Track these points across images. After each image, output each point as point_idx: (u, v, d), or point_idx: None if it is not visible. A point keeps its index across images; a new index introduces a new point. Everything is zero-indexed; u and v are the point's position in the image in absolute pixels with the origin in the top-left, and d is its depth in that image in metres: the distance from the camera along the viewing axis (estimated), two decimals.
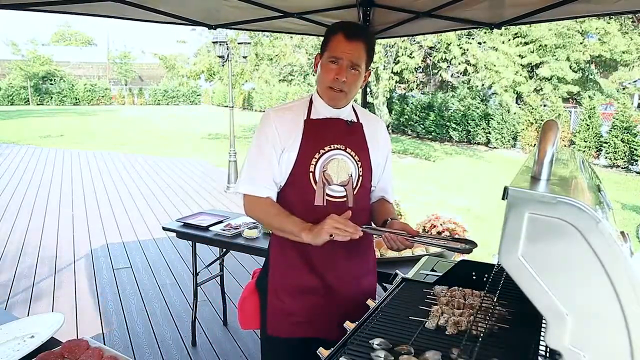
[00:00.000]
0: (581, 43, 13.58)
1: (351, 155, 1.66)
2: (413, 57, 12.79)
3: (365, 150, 1.70)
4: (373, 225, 1.79)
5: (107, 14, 2.97)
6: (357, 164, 1.67)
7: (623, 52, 13.34)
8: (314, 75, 1.78)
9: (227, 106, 9.60)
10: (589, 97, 13.95)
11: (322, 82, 1.62)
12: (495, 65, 13.08)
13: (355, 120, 1.71)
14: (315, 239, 1.49)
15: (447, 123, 17.21)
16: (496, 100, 15.28)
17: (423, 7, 3.05)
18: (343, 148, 1.64)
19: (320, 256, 1.63)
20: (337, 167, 1.63)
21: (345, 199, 1.65)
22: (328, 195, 1.62)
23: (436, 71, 15.41)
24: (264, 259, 1.82)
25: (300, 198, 1.61)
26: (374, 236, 2.70)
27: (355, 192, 1.67)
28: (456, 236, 1.59)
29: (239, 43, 9.70)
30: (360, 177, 1.68)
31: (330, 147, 1.62)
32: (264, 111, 1.74)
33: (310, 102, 1.68)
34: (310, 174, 1.60)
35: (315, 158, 1.60)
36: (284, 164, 1.61)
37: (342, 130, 1.66)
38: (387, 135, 1.84)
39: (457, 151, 15.48)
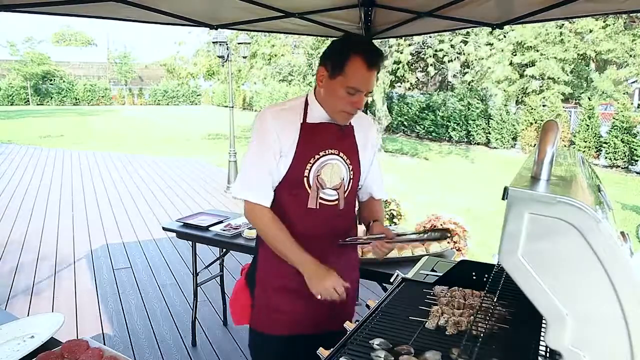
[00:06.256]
0: (571, 43, 13.58)
1: (343, 160, 1.68)
2: (402, 52, 12.79)
3: (355, 154, 1.73)
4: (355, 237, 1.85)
5: (107, 15, 2.96)
6: (349, 168, 1.70)
7: (610, 51, 13.34)
8: (313, 75, 1.73)
9: (227, 106, 9.60)
10: (588, 97, 13.95)
11: (336, 106, 1.59)
12: (490, 68, 13.09)
13: (347, 124, 1.72)
14: (315, 288, 1.53)
15: (447, 123, 17.22)
16: (495, 101, 15.28)
17: (424, 7, 3.04)
18: (336, 153, 1.67)
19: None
20: (330, 172, 1.65)
21: (337, 202, 1.69)
22: (321, 198, 1.65)
23: (436, 71, 15.41)
24: None
25: (294, 200, 1.63)
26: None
27: (346, 195, 1.71)
28: (433, 228, 1.74)
29: (238, 43, 9.70)
30: (351, 180, 1.72)
31: (324, 152, 1.64)
32: None
33: (306, 103, 1.66)
34: (305, 179, 1.62)
35: (310, 163, 1.62)
36: (281, 167, 1.62)
37: (335, 134, 1.67)
38: (375, 133, 1.87)
39: (457, 151, 15.48)
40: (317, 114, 1.64)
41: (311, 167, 1.62)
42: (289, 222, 1.61)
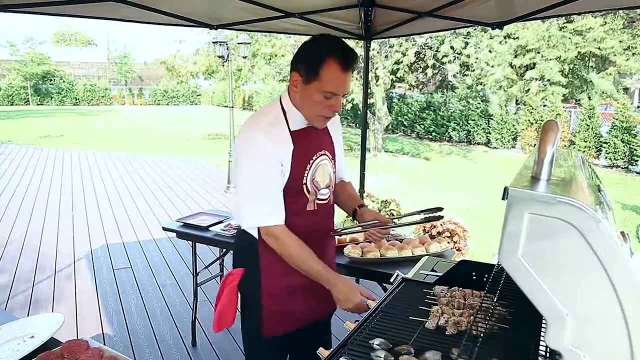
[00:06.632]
0: (572, 42, 13.56)
1: (329, 157, 1.72)
2: (407, 54, 12.81)
3: (333, 148, 1.77)
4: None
5: (106, 15, 2.96)
6: (333, 163, 1.75)
7: (610, 48, 13.33)
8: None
9: (227, 106, 9.60)
10: (589, 97, 13.95)
11: (313, 111, 1.57)
12: (491, 69, 13.08)
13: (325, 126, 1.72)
14: (343, 306, 1.59)
15: (447, 123, 17.23)
16: (494, 101, 15.28)
17: (424, 7, 3.04)
18: (324, 153, 1.70)
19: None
20: (322, 173, 1.69)
21: (329, 199, 1.74)
22: (318, 199, 1.68)
23: (436, 71, 15.40)
24: None
25: (294, 206, 1.63)
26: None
27: (333, 190, 1.77)
28: (423, 209, 1.82)
29: (238, 43, 9.70)
30: (334, 174, 1.78)
31: (316, 155, 1.66)
32: None
33: (283, 110, 1.62)
34: (304, 186, 1.63)
35: (307, 170, 1.63)
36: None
37: (318, 135, 1.68)
38: (339, 122, 1.87)
39: (457, 151, 15.48)
40: (297, 119, 1.61)
41: (307, 173, 1.63)
42: (289, 226, 1.60)
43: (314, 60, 1.50)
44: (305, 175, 1.62)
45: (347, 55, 1.50)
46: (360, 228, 1.83)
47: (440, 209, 1.73)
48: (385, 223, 1.74)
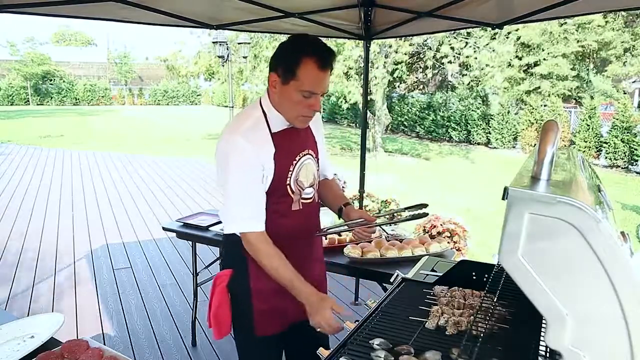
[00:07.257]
0: (573, 37, 13.56)
1: (312, 156, 1.73)
2: (406, 54, 12.81)
3: (316, 147, 1.78)
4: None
5: (106, 16, 2.95)
6: (316, 162, 1.76)
7: (610, 47, 13.34)
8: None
9: (227, 106, 9.60)
10: (590, 96, 13.95)
11: (293, 111, 1.57)
12: (491, 68, 13.07)
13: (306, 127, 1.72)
14: (313, 320, 1.53)
15: (447, 123, 17.23)
16: (494, 101, 15.28)
17: (424, 7, 3.04)
18: (307, 153, 1.70)
19: (296, 256, 1.65)
20: (306, 172, 1.69)
21: (313, 197, 1.74)
22: (303, 199, 1.69)
23: (436, 71, 15.39)
24: None
25: (279, 207, 1.63)
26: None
27: (317, 188, 1.77)
28: (408, 206, 1.85)
29: (238, 43, 9.71)
30: (318, 171, 1.79)
31: (299, 156, 1.66)
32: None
33: (264, 112, 1.61)
34: (288, 187, 1.63)
35: (291, 171, 1.63)
36: (265, 182, 1.60)
37: (301, 136, 1.68)
38: (321, 119, 1.87)
39: (457, 151, 15.48)
40: (278, 121, 1.60)
41: (291, 174, 1.63)
42: (276, 227, 1.60)
43: (291, 60, 1.50)
44: (289, 176, 1.62)
45: (323, 54, 1.50)
46: (346, 227, 1.84)
47: (425, 205, 1.75)
48: (371, 221, 1.75)
